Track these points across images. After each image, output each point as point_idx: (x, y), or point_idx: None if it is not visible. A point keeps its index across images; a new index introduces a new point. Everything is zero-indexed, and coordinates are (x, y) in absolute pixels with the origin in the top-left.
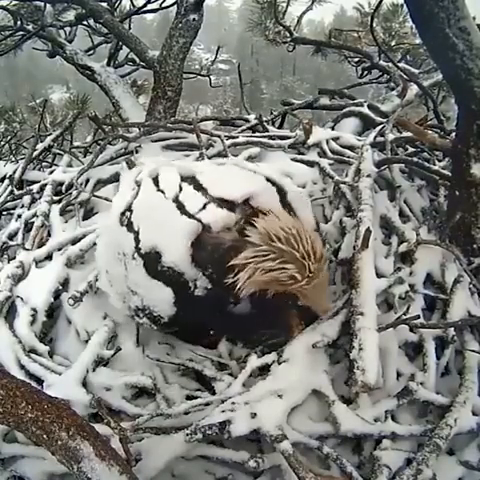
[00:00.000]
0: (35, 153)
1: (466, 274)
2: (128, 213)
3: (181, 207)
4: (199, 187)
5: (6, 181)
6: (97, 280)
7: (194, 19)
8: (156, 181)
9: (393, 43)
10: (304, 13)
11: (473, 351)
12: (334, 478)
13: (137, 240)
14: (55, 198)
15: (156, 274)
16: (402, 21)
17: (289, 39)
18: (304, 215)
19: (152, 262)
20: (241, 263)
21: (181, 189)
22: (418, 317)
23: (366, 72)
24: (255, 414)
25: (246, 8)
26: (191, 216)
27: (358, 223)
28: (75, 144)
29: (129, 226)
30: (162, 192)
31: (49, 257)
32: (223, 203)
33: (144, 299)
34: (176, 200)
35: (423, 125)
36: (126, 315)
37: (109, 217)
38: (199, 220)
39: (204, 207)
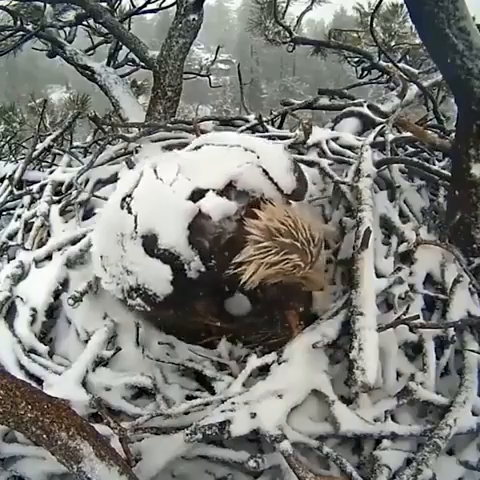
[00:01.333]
0: (35, 153)
1: (466, 274)
2: (128, 199)
3: (177, 193)
4: (188, 175)
5: (6, 181)
6: (97, 280)
7: (194, 19)
8: (155, 170)
9: (393, 43)
10: (304, 13)
11: (473, 351)
12: (334, 478)
13: (136, 222)
14: (55, 198)
15: (153, 254)
16: (402, 21)
17: (289, 39)
18: (279, 174)
19: (150, 243)
20: (245, 259)
21: (177, 177)
22: (418, 317)
23: (366, 72)
24: (255, 414)
25: (246, 8)
26: (187, 199)
27: (358, 223)
28: (75, 144)
29: (129, 210)
30: (161, 180)
31: (49, 257)
32: (222, 192)
33: (139, 277)
34: (172, 186)
35: (423, 125)
36: (118, 299)
37: (108, 204)
38: (198, 206)
39: (203, 195)
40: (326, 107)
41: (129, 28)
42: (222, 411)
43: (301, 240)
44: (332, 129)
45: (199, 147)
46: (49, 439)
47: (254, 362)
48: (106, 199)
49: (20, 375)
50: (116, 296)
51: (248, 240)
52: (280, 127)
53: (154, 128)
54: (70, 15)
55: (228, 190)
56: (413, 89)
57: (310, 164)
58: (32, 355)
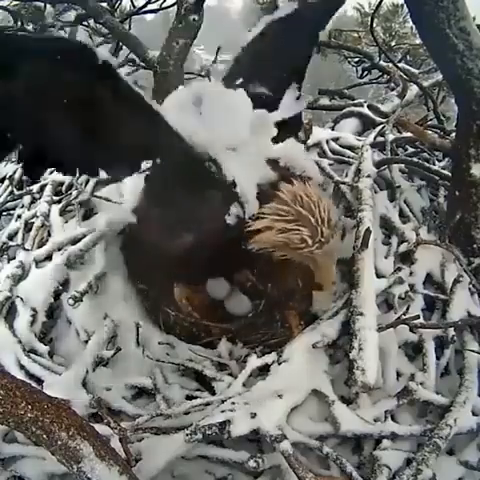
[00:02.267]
0: None
1: (466, 274)
2: None
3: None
4: None
5: (6, 181)
6: (97, 280)
7: (194, 19)
8: None
9: (393, 43)
10: None
11: (473, 351)
12: (334, 478)
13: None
14: (55, 198)
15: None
16: (402, 21)
17: None
18: None
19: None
20: (262, 214)
21: None
22: (418, 317)
23: (366, 72)
24: (255, 414)
25: (247, 8)
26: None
27: (358, 223)
28: None
29: None
30: None
31: (49, 257)
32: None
33: None
34: None
35: (423, 125)
36: None
37: None
38: None
39: None
40: (326, 107)
41: (129, 28)
42: (222, 411)
43: (317, 217)
44: (332, 129)
45: None
46: (49, 439)
47: (254, 362)
48: (106, 199)
49: (20, 375)
50: None
51: (275, 196)
52: None
53: None
54: (70, 15)
55: (271, 162)
56: (413, 89)
57: None
58: (32, 355)
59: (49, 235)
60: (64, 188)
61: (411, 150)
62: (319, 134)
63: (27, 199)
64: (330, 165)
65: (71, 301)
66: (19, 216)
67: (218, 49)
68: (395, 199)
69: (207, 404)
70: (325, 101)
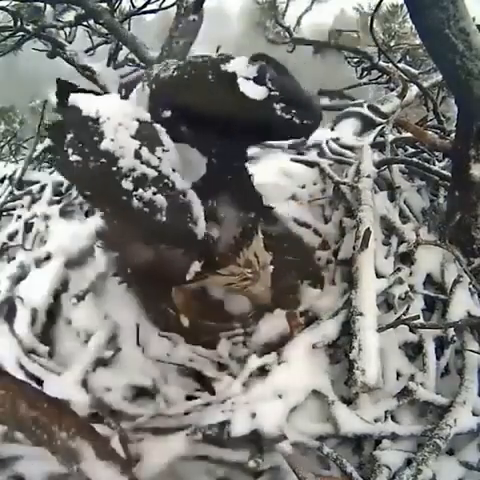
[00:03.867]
0: (35, 154)
1: (466, 274)
2: None
3: None
4: None
5: (6, 181)
6: (98, 280)
7: (194, 20)
8: None
9: (393, 44)
10: (304, 13)
11: (473, 351)
12: (334, 478)
13: None
14: (55, 198)
15: None
16: (402, 21)
17: (289, 40)
18: None
19: None
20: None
21: None
22: (418, 317)
23: (366, 72)
24: (255, 414)
25: (246, 8)
26: None
27: (358, 223)
28: None
29: None
30: None
31: (49, 257)
32: None
33: None
34: None
35: (423, 126)
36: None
37: None
38: None
39: None
40: (326, 108)
41: (129, 29)
42: (222, 411)
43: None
44: (332, 129)
45: None
46: (49, 439)
47: (254, 362)
48: None
49: (20, 375)
50: None
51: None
52: None
53: None
54: (70, 16)
55: None
56: (413, 89)
57: (310, 164)
58: (32, 355)
59: (49, 235)
60: (64, 188)
61: (411, 150)
62: (319, 134)
63: (27, 199)
64: (330, 165)
65: (75, 300)
66: (19, 216)
67: (218, 49)
68: (395, 199)
69: (207, 404)
70: (325, 101)
